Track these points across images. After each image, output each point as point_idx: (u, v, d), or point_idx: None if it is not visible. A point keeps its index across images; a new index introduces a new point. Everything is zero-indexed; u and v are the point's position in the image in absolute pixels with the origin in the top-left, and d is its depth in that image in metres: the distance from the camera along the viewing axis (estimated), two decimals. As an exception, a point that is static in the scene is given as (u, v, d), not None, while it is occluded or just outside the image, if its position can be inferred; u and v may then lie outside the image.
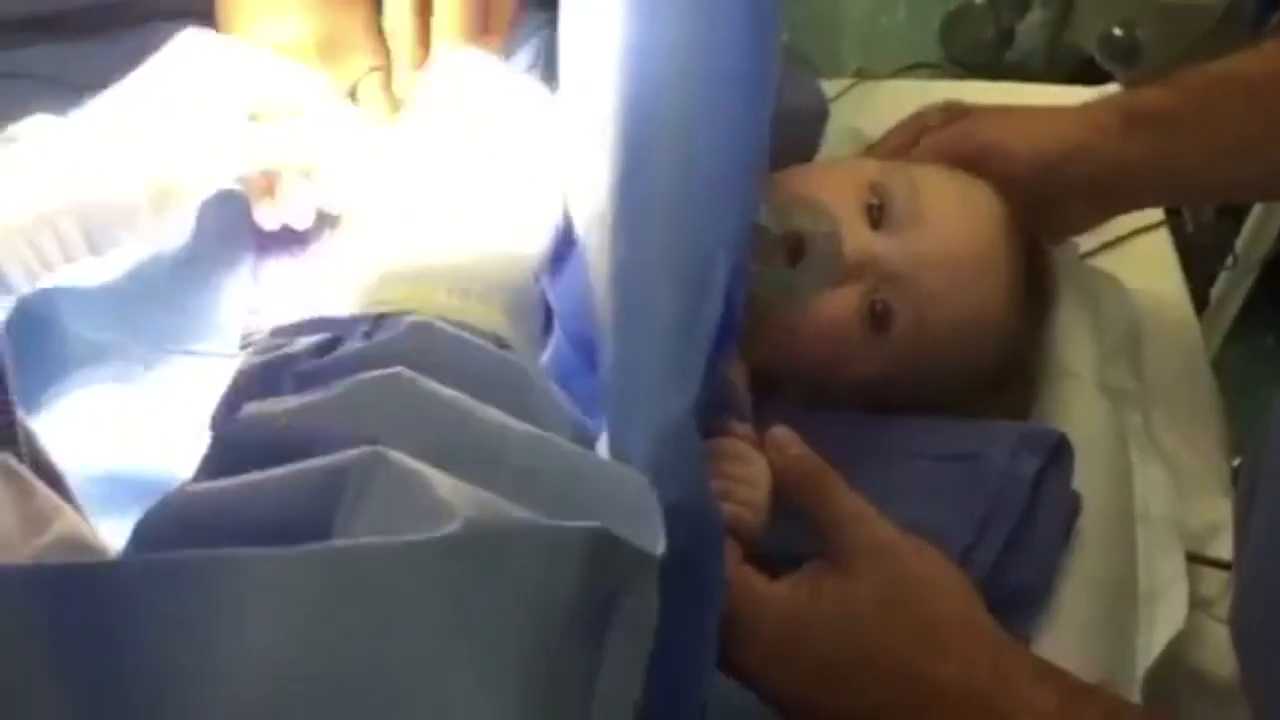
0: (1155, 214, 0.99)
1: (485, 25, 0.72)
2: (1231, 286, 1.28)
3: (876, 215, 0.74)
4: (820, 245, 0.72)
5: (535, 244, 0.63)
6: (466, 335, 0.54)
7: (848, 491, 0.62)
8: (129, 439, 0.66)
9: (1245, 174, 0.82)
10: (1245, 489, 0.61)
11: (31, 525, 0.44)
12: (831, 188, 0.75)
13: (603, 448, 0.55)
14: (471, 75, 0.69)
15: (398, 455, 0.43)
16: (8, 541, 0.43)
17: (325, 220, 0.74)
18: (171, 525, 0.45)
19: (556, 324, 0.69)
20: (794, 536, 0.62)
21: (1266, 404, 0.60)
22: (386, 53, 0.75)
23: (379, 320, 0.55)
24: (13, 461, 0.46)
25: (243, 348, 0.71)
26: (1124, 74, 1.62)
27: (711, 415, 0.58)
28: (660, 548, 0.44)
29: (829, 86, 0.95)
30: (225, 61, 0.70)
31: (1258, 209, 1.26)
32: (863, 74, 1.10)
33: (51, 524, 0.44)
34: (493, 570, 0.39)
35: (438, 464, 0.44)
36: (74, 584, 0.38)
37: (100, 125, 0.67)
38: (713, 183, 0.58)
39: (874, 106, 1.04)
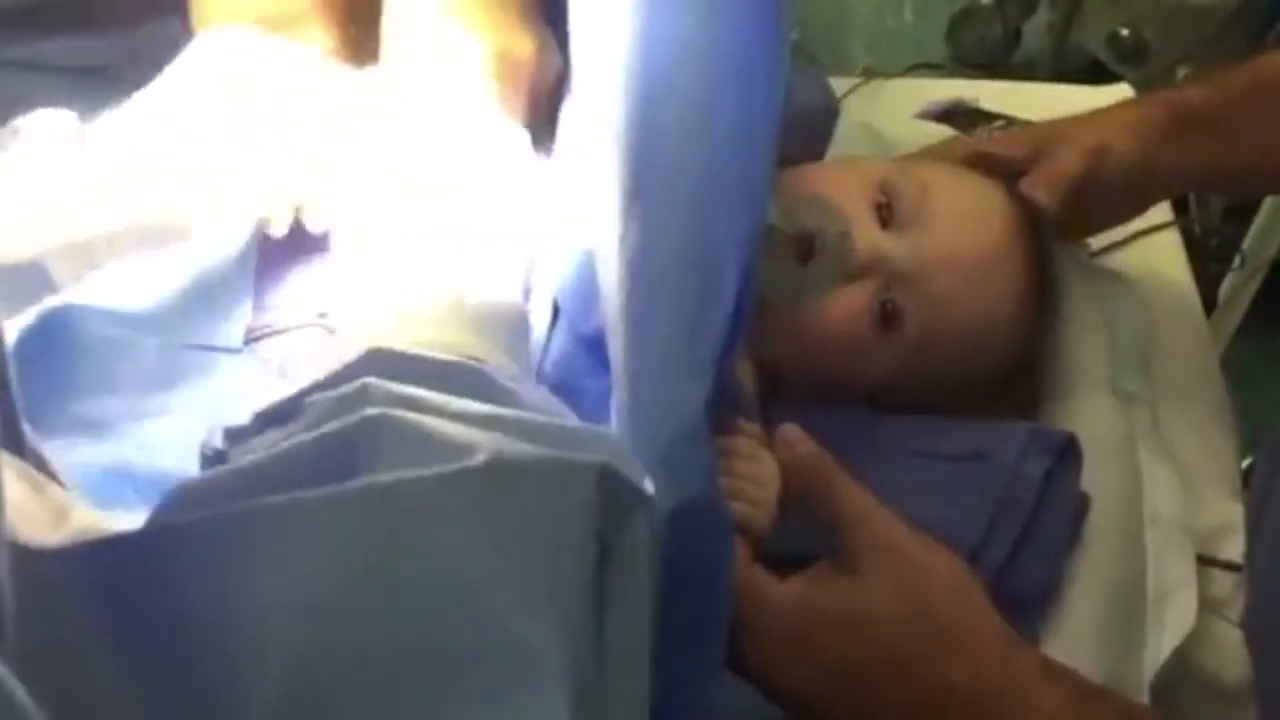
0: (1165, 214, 0.99)
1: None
2: (1240, 286, 1.28)
3: (886, 214, 0.74)
4: (830, 244, 0.72)
5: (515, 282, 0.64)
6: (424, 352, 0.54)
7: (857, 490, 0.61)
8: (136, 435, 0.66)
9: None
10: (1258, 489, 0.61)
11: (54, 516, 0.45)
12: (842, 186, 0.75)
13: None
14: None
15: (400, 412, 0.45)
16: (38, 528, 0.43)
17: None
18: (188, 509, 0.45)
19: (563, 324, 0.69)
20: (803, 535, 0.62)
21: (1276, 404, 0.60)
22: (339, 27, 0.76)
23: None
24: (24, 465, 0.47)
25: (247, 342, 0.70)
26: (1131, 75, 1.62)
27: (719, 413, 0.58)
28: (650, 487, 0.46)
29: (836, 86, 0.95)
30: (252, 68, 0.71)
31: (1266, 209, 1.25)
32: (869, 74, 1.10)
33: (70, 516, 0.45)
34: (517, 496, 0.41)
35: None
36: (120, 550, 0.40)
37: (122, 152, 0.67)
38: (723, 181, 0.58)
39: (882, 105, 1.03)
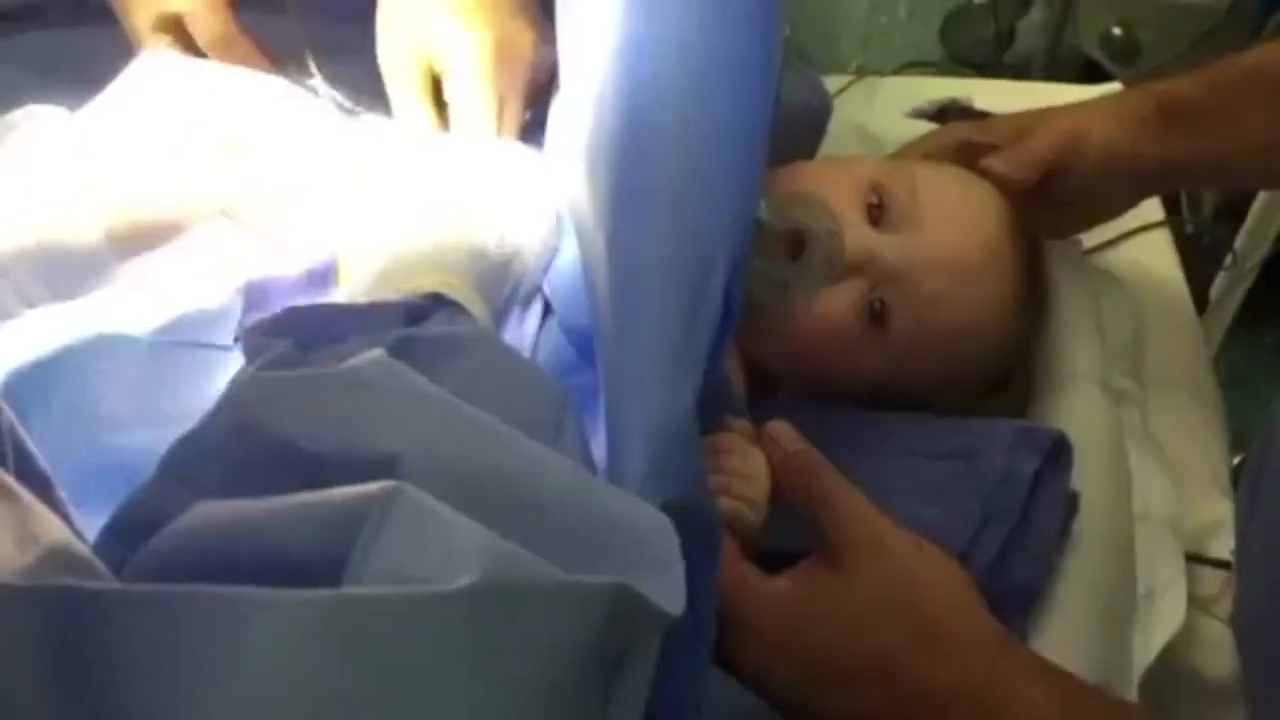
0: (1156, 212, 0.99)
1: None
2: (1231, 285, 1.28)
3: (877, 213, 0.74)
4: (821, 242, 0.72)
5: (503, 222, 0.65)
6: (503, 351, 0.55)
7: (847, 487, 0.61)
8: (127, 429, 0.66)
9: (1275, 167, 0.82)
10: (1248, 487, 0.61)
11: (19, 537, 0.42)
12: (832, 184, 0.74)
13: (600, 444, 0.55)
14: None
15: (417, 493, 0.41)
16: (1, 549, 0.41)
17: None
18: (185, 546, 0.43)
19: (554, 318, 0.69)
20: (792, 532, 0.62)
21: (1266, 402, 0.60)
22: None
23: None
24: None
25: (236, 340, 0.70)
26: (1124, 74, 1.62)
27: (709, 411, 0.58)
28: (681, 605, 0.42)
29: (829, 84, 0.95)
30: (193, 86, 0.71)
31: (1257, 208, 1.26)
32: (862, 72, 1.10)
33: (39, 537, 0.42)
34: (509, 625, 0.37)
35: (455, 487, 0.42)
36: (70, 605, 0.37)
37: (61, 158, 0.67)
38: (713, 179, 0.58)
39: (875, 103, 1.03)
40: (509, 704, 0.37)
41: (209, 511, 0.45)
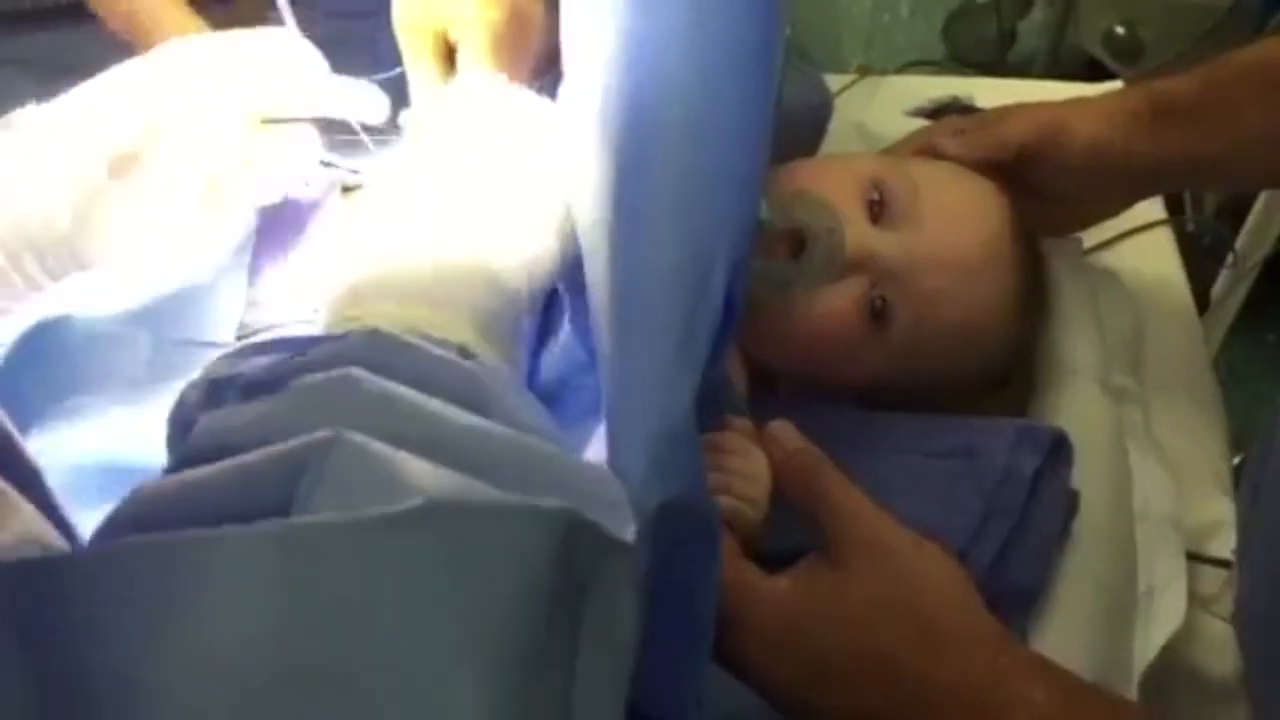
0: (1157, 211, 0.99)
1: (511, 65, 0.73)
2: (1232, 285, 1.28)
3: (878, 211, 0.74)
4: (821, 240, 0.72)
5: (520, 255, 0.60)
6: (418, 342, 0.51)
7: (847, 486, 0.61)
8: (127, 429, 0.66)
9: (1271, 166, 0.81)
10: (1249, 485, 0.61)
11: None
12: (833, 182, 0.74)
13: (601, 444, 0.55)
14: (483, 96, 0.69)
15: (357, 436, 0.42)
16: None
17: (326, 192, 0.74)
18: (132, 520, 0.44)
19: (567, 320, 0.69)
20: (792, 531, 0.62)
21: (1267, 401, 0.60)
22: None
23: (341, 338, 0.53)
24: None
25: (239, 338, 0.70)
26: (1126, 73, 1.62)
27: (710, 410, 0.58)
28: (631, 535, 0.43)
29: (831, 82, 0.95)
30: (222, 63, 0.71)
31: (1259, 207, 1.26)
32: (864, 71, 1.10)
33: (11, 527, 0.42)
34: (459, 546, 0.37)
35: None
36: (28, 577, 0.37)
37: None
38: (714, 178, 0.58)
39: (876, 102, 1.03)
40: (467, 630, 0.37)
41: (154, 486, 0.45)
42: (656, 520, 0.47)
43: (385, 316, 0.53)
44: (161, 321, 0.70)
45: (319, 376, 0.48)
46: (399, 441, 0.43)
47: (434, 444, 0.44)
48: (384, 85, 0.75)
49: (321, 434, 0.42)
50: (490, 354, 0.54)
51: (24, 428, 0.62)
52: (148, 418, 0.65)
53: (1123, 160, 0.80)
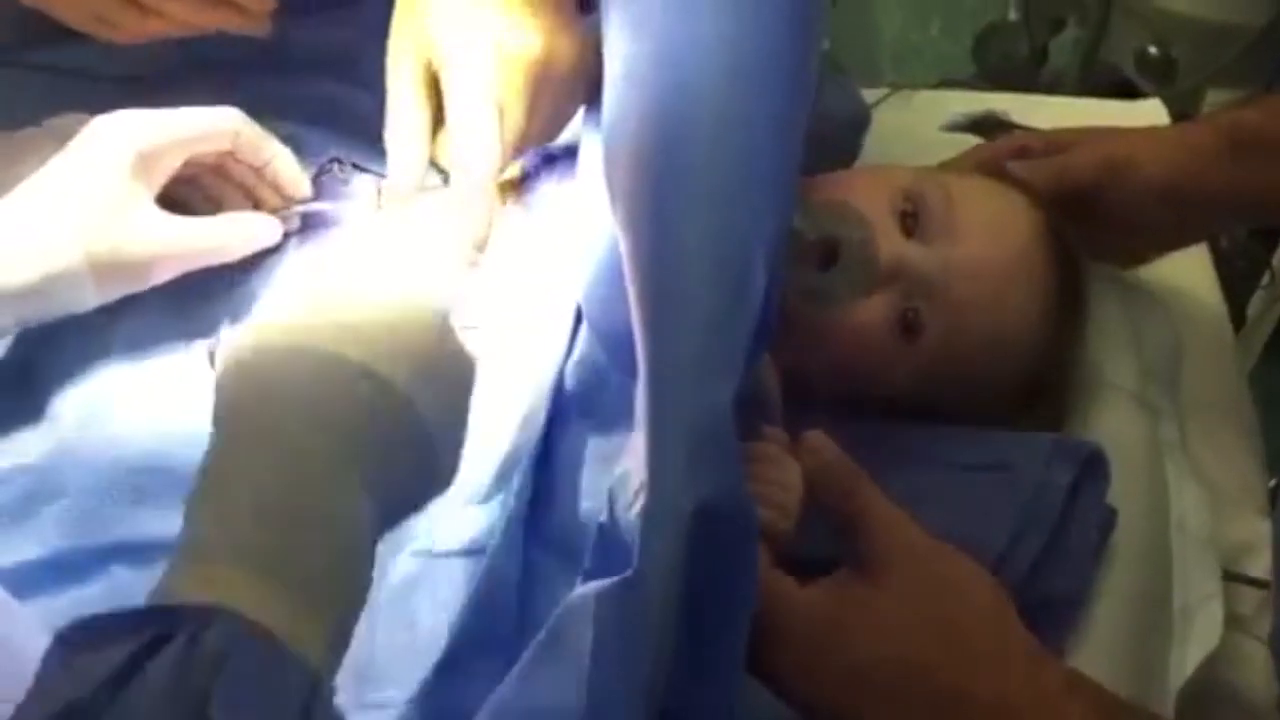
0: (1193, 229, 0.98)
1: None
2: (1268, 303, 1.27)
3: (910, 223, 0.74)
4: (853, 251, 0.71)
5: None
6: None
7: (881, 497, 0.61)
8: (151, 427, 0.67)
9: None
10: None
11: None
12: (866, 193, 0.74)
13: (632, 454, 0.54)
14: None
15: None
16: None
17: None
18: None
19: (586, 326, 0.69)
20: (825, 541, 0.62)
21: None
22: None
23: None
24: None
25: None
26: (1159, 93, 1.61)
27: (744, 417, 0.58)
28: None
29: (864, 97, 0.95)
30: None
31: (1295, 227, 1.25)
32: (897, 86, 1.09)
33: None
34: None
35: None
36: None
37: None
38: (751, 181, 0.58)
39: (910, 117, 1.03)
40: None
41: None
42: (693, 523, 0.47)
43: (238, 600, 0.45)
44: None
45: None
46: None
47: None
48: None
49: None
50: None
51: None
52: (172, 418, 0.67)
53: (1198, 194, 0.80)
